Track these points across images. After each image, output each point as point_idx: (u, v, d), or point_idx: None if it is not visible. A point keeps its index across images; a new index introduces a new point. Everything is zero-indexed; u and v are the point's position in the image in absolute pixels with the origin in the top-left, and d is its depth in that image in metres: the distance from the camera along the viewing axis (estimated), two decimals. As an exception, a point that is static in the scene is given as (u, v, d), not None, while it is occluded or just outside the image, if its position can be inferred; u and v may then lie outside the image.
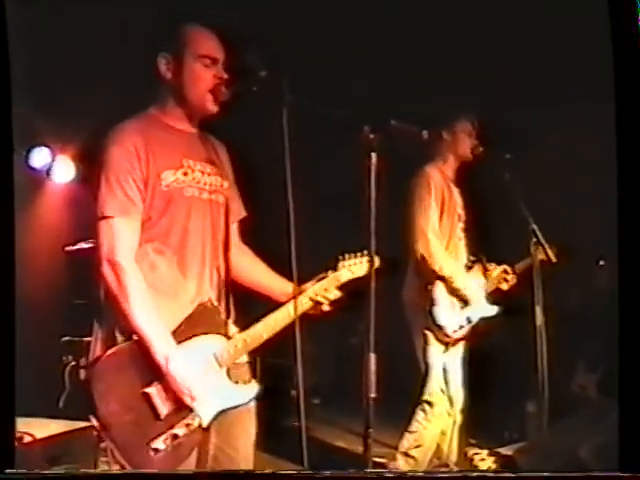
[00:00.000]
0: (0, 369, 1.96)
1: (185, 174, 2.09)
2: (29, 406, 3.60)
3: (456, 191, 3.44)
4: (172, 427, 1.97)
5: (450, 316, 3.29)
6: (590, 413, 3.30)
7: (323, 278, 2.20)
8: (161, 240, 2.06)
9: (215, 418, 2.04)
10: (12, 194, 2.06)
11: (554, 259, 3.16)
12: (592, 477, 2.18)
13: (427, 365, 3.30)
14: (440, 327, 3.27)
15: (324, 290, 2.18)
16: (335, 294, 2.20)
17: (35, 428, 3.28)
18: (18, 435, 3.11)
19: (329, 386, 4.55)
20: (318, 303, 2.18)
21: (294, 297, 2.06)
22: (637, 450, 2.15)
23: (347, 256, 2.23)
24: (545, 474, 2.66)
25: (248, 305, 2.27)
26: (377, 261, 2.07)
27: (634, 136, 2.21)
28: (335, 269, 2.22)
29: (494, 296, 3.43)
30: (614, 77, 2.21)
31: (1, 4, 3.10)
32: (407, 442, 3.28)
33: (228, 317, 2.16)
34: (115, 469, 1.99)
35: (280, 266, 2.12)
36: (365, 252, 2.19)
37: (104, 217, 2.00)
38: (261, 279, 2.27)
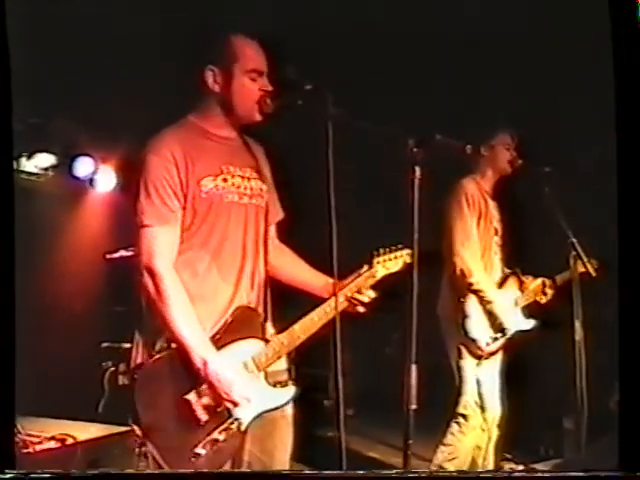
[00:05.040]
0: (0, 371, 1.99)
1: (225, 180, 2.12)
2: (70, 409, 3.70)
3: (492, 205, 3.43)
4: (212, 432, 2.00)
5: (483, 329, 3.27)
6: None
7: (359, 275, 2.20)
8: (202, 247, 2.09)
9: (253, 421, 2.07)
10: (12, 197, 2.09)
11: (593, 273, 3.12)
12: (592, 477, 2.15)
13: (461, 378, 3.28)
14: (473, 340, 3.25)
15: (360, 288, 2.18)
16: (369, 295, 2.20)
17: (76, 431, 3.36)
18: (60, 437, 3.20)
19: (363, 396, 4.54)
20: (354, 303, 2.19)
21: (334, 294, 2.06)
22: (637, 450, 2.12)
23: (381, 251, 2.23)
24: (545, 474, 2.63)
25: (286, 307, 2.29)
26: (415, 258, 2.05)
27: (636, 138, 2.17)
28: (370, 266, 2.22)
29: (531, 309, 3.40)
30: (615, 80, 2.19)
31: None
32: (441, 455, 3.26)
33: (266, 320, 2.18)
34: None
35: (320, 265, 2.15)
36: (400, 246, 2.20)
37: (143, 226, 2.03)
38: (302, 276, 2.28)
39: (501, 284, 3.40)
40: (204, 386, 1.99)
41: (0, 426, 2.00)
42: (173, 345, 2.00)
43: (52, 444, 3.18)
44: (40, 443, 3.14)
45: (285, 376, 2.18)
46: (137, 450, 3.29)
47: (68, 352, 4.21)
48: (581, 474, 2.15)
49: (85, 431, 3.43)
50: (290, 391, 2.15)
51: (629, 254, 2.21)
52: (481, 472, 3.23)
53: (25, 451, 3.05)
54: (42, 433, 3.25)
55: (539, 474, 3.12)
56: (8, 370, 1.99)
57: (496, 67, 3.62)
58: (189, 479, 2.04)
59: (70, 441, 3.24)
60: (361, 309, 2.20)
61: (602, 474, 2.14)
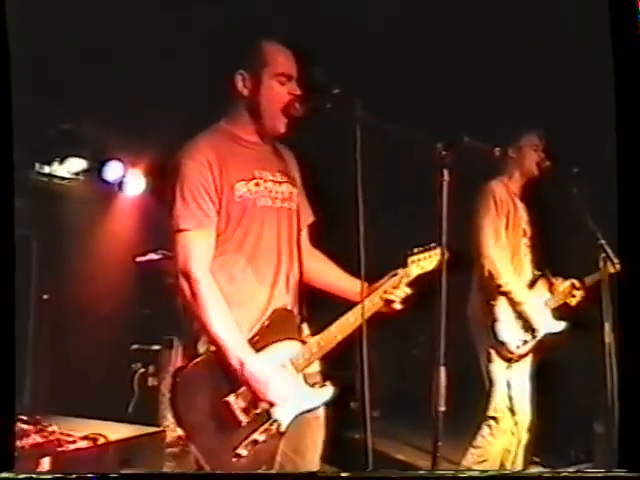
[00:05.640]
0: (0, 372, 2.00)
1: (257, 184, 2.15)
2: (101, 409, 3.76)
3: (521, 206, 3.41)
4: (252, 433, 2.02)
5: (513, 332, 3.25)
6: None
7: (394, 275, 2.22)
8: (237, 251, 2.11)
9: (292, 422, 2.09)
10: (12, 195, 2.12)
11: (624, 275, 3.08)
12: (592, 477, 2.12)
13: (491, 381, 3.27)
14: (502, 343, 3.23)
15: (394, 287, 2.20)
16: (405, 291, 2.21)
17: (107, 431, 3.41)
18: (92, 436, 3.26)
19: (389, 398, 4.54)
20: (389, 301, 2.19)
21: (366, 297, 2.08)
22: (637, 450, 2.09)
23: (415, 250, 2.24)
24: (546, 474, 2.59)
25: (322, 308, 2.30)
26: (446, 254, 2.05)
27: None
28: (405, 265, 2.23)
29: (561, 311, 3.37)
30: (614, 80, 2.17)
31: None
32: (471, 457, 3.25)
33: (302, 321, 2.21)
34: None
35: (351, 268, 2.15)
36: (433, 245, 2.21)
37: (179, 230, 2.05)
38: (334, 280, 2.30)
39: (531, 286, 3.37)
40: (243, 388, 2.02)
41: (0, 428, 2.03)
42: (212, 348, 2.03)
43: (85, 443, 3.24)
44: (74, 442, 3.20)
45: (321, 377, 2.20)
46: (179, 450, 3.33)
47: (99, 354, 4.28)
48: (581, 475, 2.13)
49: (116, 431, 3.49)
50: (328, 391, 2.16)
51: (630, 254, 2.19)
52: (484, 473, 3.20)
53: (60, 450, 3.11)
54: (75, 432, 3.31)
55: (541, 475, 3.09)
56: (8, 372, 2.03)
57: (523, 69, 3.60)
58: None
59: (102, 441, 3.30)
60: (398, 306, 2.21)
61: (603, 474, 2.13)
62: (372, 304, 2.16)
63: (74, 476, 2.07)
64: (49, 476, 2.15)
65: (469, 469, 3.18)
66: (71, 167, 4.52)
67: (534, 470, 3.39)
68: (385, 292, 2.19)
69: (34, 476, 2.07)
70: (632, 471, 2.06)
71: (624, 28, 2.16)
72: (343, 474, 2.18)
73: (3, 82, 2.07)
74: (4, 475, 1.95)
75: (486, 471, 3.14)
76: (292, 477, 2.18)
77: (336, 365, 2.25)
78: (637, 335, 2.15)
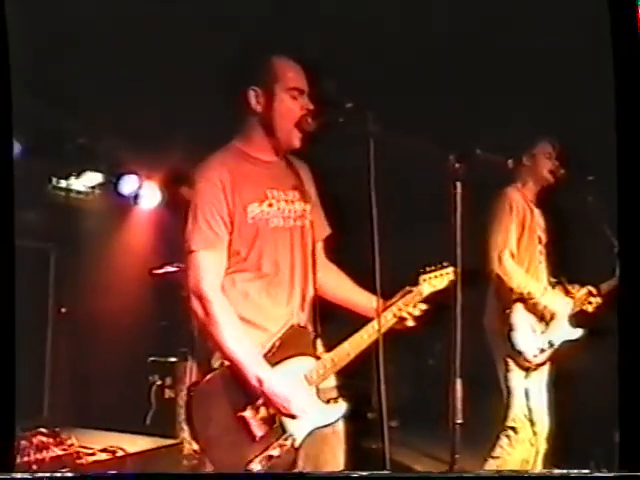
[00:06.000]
0: (0, 373, 2.04)
1: (270, 205, 2.16)
2: (119, 422, 3.79)
3: (537, 213, 3.40)
4: (267, 448, 2.03)
5: (530, 340, 3.24)
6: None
7: (407, 293, 2.23)
8: (252, 270, 2.13)
9: (306, 438, 2.10)
10: (12, 197, 2.12)
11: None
12: (592, 477, 2.11)
13: (509, 391, 3.25)
14: (520, 352, 3.22)
15: (407, 305, 2.21)
16: (420, 308, 2.23)
17: (125, 443, 3.44)
18: (111, 449, 3.30)
19: (406, 409, 4.52)
20: (402, 319, 2.21)
21: (378, 314, 2.08)
22: (637, 450, 2.07)
23: (427, 269, 2.25)
24: (547, 474, 2.56)
25: (335, 324, 2.31)
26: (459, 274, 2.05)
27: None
28: (417, 283, 2.24)
29: (578, 319, 3.35)
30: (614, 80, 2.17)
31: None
32: (490, 468, 3.22)
33: (316, 337, 2.21)
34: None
35: (365, 282, 2.16)
36: (445, 264, 2.22)
37: (191, 251, 2.08)
38: (347, 295, 2.31)
39: (548, 290, 3.36)
40: (259, 402, 2.03)
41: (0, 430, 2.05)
42: (226, 363, 2.04)
43: (104, 456, 3.27)
44: (93, 455, 3.23)
45: (335, 392, 2.20)
46: (196, 463, 3.34)
47: (116, 366, 4.31)
48: (581, 475, 2.12)
49: (134, 443, 3.52)
50: (341, 407, 2.17)
51: (630, 256, 2.18)
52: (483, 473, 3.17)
53: (79, 462, 3.14)
54: (94, 445, 3.34)
55: (542, 474, 3.06)
56: (8, 376, 2.04)
57: (534, 76, 3.60)
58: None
59: (120, 453, 3.33)
60: (411, 323, 2.22)
61: (602, 474, 2.10)
62: (385, 321, 2.17)
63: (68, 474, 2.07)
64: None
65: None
66: (87, 181, 4.58)
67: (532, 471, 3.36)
68: (399, 309, 2.20)
69: (48, 475, 2.07)
70: (631, 471, 2.05)
71: (624, 28, 2.15)
72: (347, 473, 2.18)
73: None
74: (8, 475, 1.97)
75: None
76: (296, 477, 2.18)
77: (353, 375, 2.25)
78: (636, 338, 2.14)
